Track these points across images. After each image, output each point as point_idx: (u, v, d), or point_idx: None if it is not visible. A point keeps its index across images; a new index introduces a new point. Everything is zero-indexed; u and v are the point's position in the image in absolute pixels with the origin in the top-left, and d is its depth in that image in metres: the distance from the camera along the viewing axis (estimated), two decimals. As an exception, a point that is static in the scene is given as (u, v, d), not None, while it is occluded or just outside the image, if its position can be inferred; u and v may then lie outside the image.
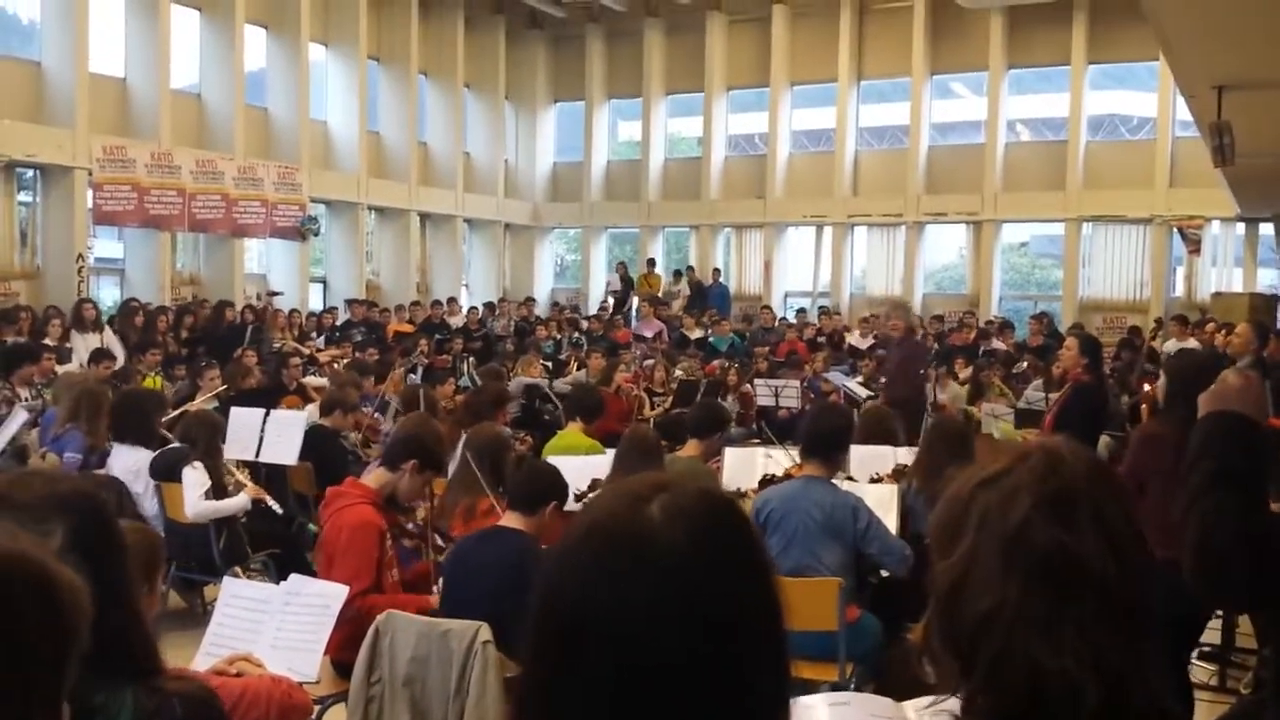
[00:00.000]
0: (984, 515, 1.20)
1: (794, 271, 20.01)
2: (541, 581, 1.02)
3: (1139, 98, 18.51)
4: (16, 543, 1.04)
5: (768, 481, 5.49)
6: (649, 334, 15.69)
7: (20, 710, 0.99)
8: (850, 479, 5.28)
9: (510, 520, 3.95)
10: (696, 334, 15.78)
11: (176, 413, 7.19)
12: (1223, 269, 17.39)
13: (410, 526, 4.51)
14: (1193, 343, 12.91)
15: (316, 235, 16.59)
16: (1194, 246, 16.79)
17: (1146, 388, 11.23)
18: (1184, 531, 2.06)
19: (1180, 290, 17.49)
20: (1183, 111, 13.87)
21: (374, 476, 4.30)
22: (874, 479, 5.46)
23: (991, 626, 1.15)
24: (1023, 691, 1.13)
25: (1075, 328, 14.57)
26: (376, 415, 8.67)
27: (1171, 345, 12.97)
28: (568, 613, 0.98)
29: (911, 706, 1.26)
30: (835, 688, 4.26)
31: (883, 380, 10.59)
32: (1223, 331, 12.27)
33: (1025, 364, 12.21)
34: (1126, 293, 17.62)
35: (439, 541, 4.52)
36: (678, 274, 19.41)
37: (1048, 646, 1.13)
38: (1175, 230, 16.91)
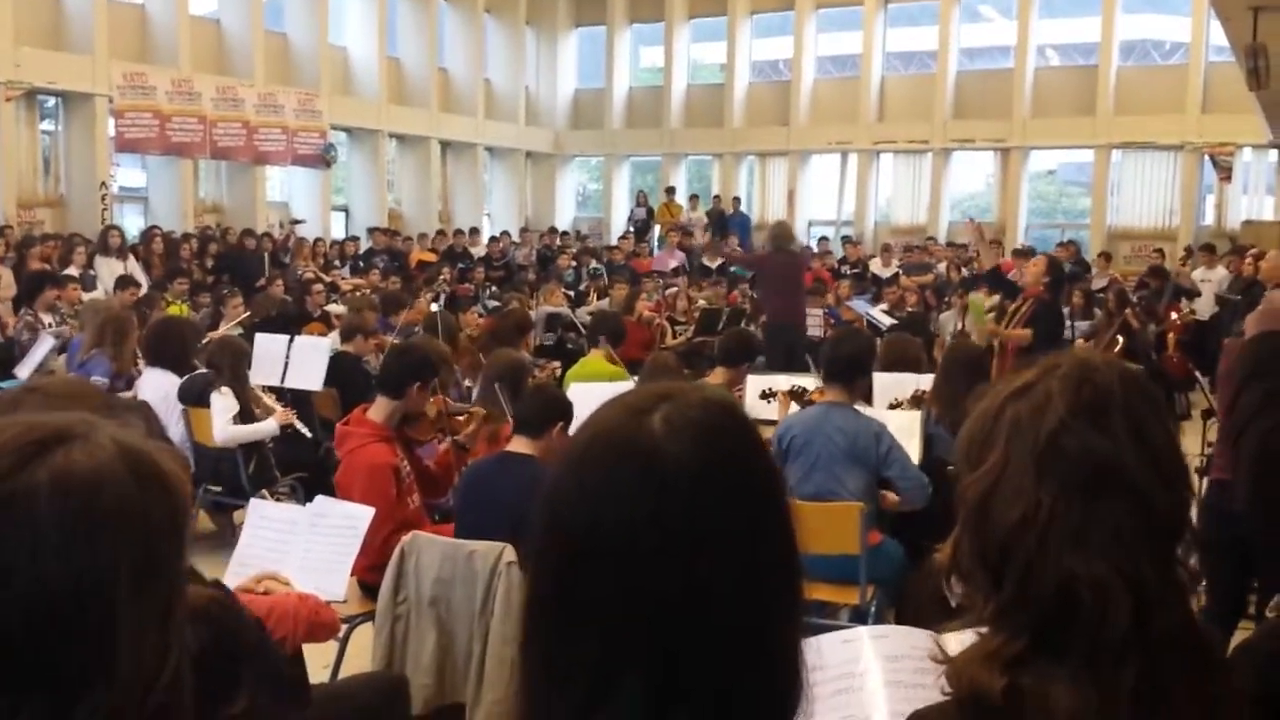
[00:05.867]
0: (1015, 425, 1.17)
1: (818, 200, 19.78)
2: (544, 500, 0.99)
3: (1172, 21, 18.06)
4: (134, 436, 1.05)
5: (798, 395, 5.50)
6: (672, 265, 15.56)
7: (169, 595, 1.01)
8: (871, 406, 5.28)
9: (518, 445, 3.94)
10: (718, 262, 15.68)
11: (204, 340, 7.25)
12: (1253, 197, 17.13)
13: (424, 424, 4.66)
14: (1221, 271, 12.78)
15: (335, 162, 16.54)
16: (1225, 174, 16.50)
17: (1174, 316, 11.15)
18: (1237, 450, 2.01)
19: (1210, 218, 17.22)
20: (1216, 35, 13.54)
21: (377, 408, 4.30)
22: (893, 404, 5.46)
23: (1023, 534, 1.13)
24: (1053, 599, 1.11)
25: (1102, 256, 14.42)
26: (396, 340, 8.66)
27: (1200, 274, 12.84)
28: (572, 530, 0.96)
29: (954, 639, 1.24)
30: (856, 611, 4.31)
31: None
32: (1246, 258, 12.13)
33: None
34: (1155, 221, 17.36)
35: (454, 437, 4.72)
36: (694, 198, 19.23)
37: (1080, 553, 1.11)
38: (1206, 157, 16.61)
